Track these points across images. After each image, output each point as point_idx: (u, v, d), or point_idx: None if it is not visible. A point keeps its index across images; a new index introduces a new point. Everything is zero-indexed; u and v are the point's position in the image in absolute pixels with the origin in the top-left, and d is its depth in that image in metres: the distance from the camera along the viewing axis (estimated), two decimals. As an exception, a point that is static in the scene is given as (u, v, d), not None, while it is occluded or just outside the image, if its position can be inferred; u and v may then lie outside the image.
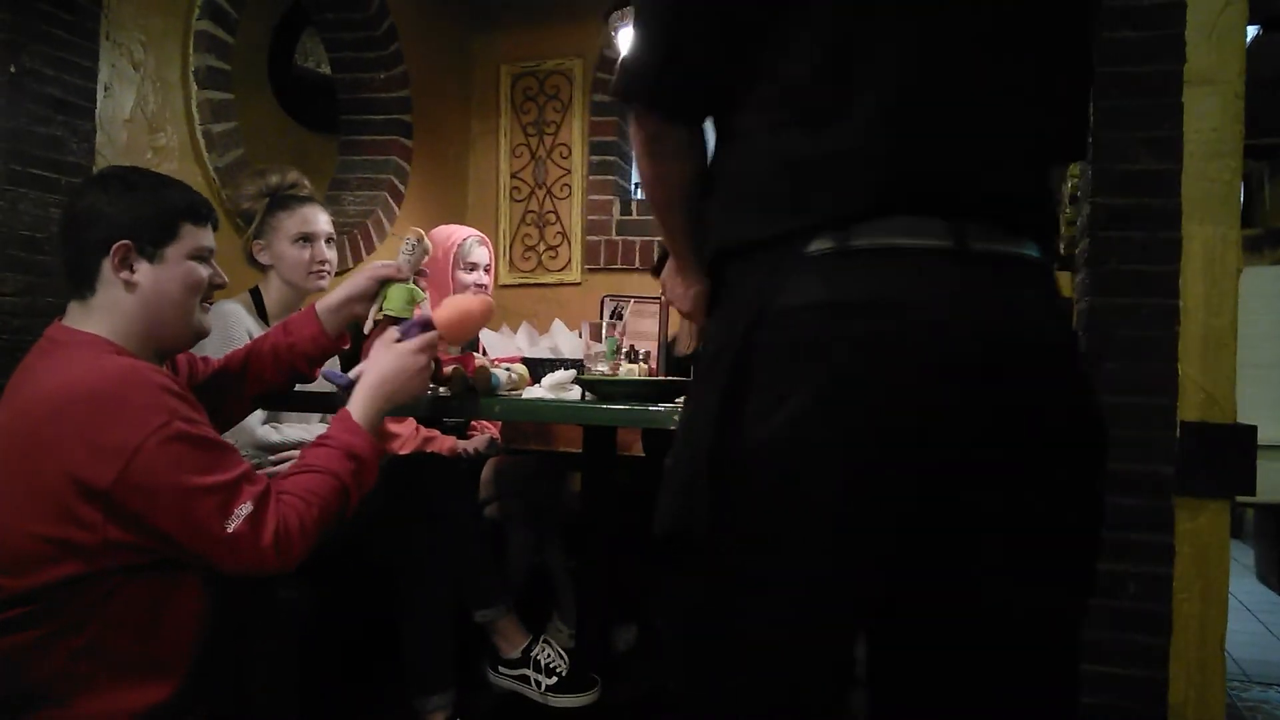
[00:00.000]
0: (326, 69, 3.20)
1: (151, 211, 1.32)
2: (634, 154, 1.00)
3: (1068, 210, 1.84)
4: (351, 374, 1.49)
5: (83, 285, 1.30)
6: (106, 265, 1.29)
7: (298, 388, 1.66)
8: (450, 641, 1.91)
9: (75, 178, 1.81)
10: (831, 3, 0.84)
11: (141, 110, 2.03)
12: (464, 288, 2.49)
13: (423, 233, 1.64)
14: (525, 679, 2.00)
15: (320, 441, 1.38)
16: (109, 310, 1.30)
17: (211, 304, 1.43)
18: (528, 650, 1.99)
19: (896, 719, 0.92)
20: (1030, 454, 0.82)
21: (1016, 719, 0.87)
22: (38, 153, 1.74)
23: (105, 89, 1.92)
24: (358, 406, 1.42)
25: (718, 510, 0.85)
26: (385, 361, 1.46)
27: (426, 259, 1.67)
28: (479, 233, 2.55)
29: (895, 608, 0.88)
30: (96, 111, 1.87)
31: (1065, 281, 2.32)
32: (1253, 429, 1.40)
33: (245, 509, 1.23)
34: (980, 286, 0.81)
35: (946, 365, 0.80)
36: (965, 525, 0.84)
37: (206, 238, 1.37)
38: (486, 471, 2.46)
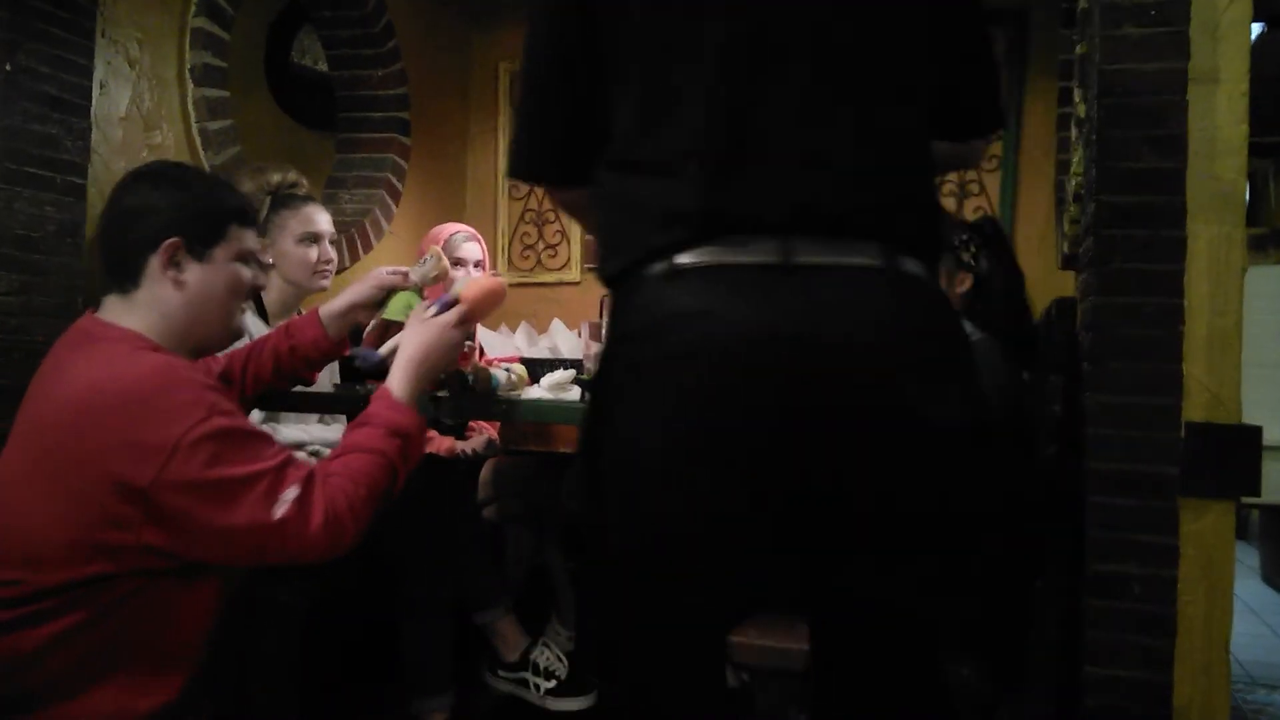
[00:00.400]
0: (324, 66, 3.18)
1: (203, 211, 1.32)
2: None
3: (1071, 208, 1.83)
4: (382, 351, 1.50)
5: (126, 280, 1.28)
6: (154, 261, 1.28)
7: (296, 388, 1.66)
8: (449, 643, 1.90)
9: (70, 176, 1.81)
10: (641, 72, 0.98)
11: (137, 108, 2.02)
12: (451, 283, 2.48)
13: (442, 253, 1.65)
14: (524, 682, 1.99)
15: (362, 421, 1.36)
16: (151, 307, 1.29)
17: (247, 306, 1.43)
18: (527, 653, 1.99)
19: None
20: (831, 448, 0.91)
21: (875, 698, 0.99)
22: (33, 151, 1.73)
23: (101, 87, 1.91)
24: (397, 383, 1.40)
25: (590, 501, 0.99)
26: (422, 335, 1.45)
27: (438, 278, 1.66)
28: (469, 228, 2.54)
29: (754, 589, 1.01)
30: (92, 109, 1.87)
31: (1069, 280, 2.31)
32: (1258, 429, 1.39)
33: (291, 493, 1.21)
34: (792, 296, 0.90)
35: (750, 366, 0.89)
36: (773, 513, 0.93)
37: (252, 240, 1.37)
38: (485, 472, 2.45)
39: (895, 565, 0.95)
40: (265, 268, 1.45)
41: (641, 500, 0.94)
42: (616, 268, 1.00)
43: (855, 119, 0.96)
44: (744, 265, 0.91)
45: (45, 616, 1.17)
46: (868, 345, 0.90)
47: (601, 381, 1.00)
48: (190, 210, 1.30)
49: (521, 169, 1.14)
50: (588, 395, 1.04)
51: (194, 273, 1.30)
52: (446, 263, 1.65)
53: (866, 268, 0.92)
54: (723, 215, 0.93)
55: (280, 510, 1.19)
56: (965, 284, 1.66)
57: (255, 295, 1.40)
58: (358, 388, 1.85)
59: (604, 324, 1.80)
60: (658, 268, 0.94)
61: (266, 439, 1.25)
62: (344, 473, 1.28)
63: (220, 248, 1.32)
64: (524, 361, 2.02)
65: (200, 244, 1.30)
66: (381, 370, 1.47)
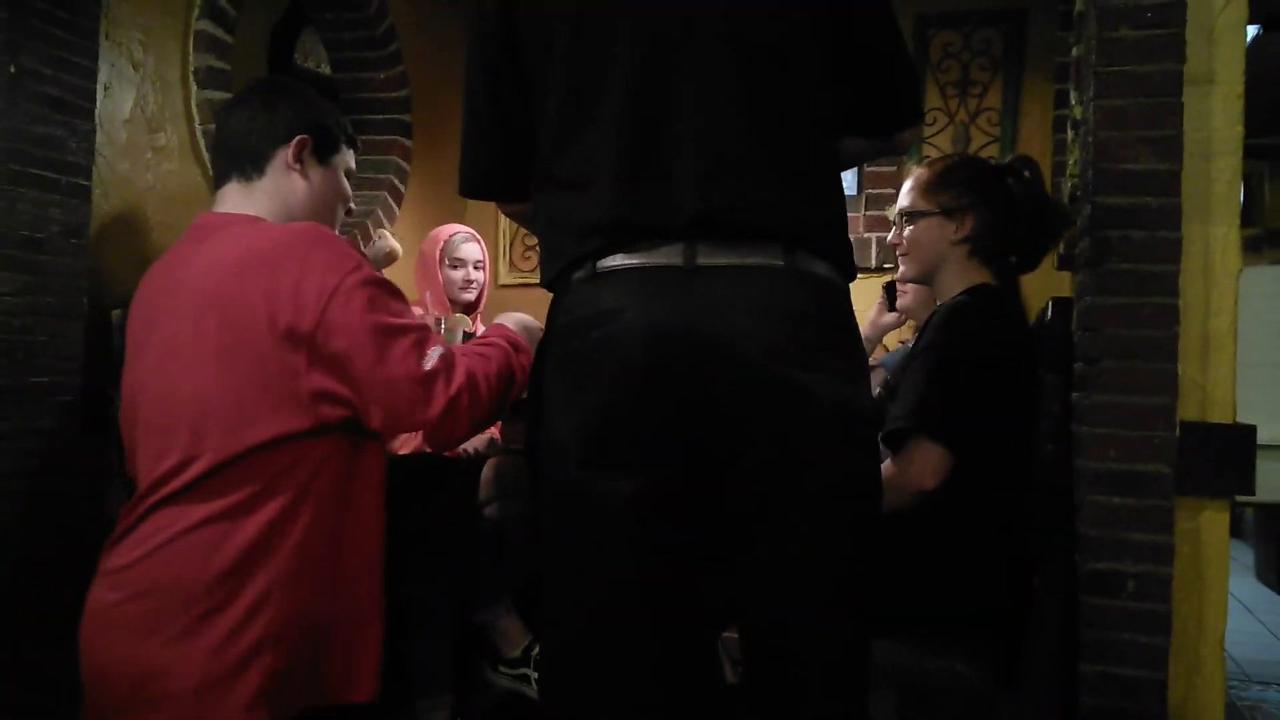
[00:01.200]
0: (326, 69, 3.20)
1: (326, 121, 1.46)
2: None
3: (1068, 210, 1.84)
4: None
5: (250, 168, 1.40)
6: (283, 153, 1.41)
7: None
8: (450, 642, 1.91)
9: (75, 178, 1.81)
10: (559, 95, 1.08)
11: (141, 110, 2.03)
12: (451, 284, 2.50)
13: (462, 317, 1.77)
14: (525, 678, 2.00)
15: (482, 336, 1.49)
16: (273, 195, 1.40)
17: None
18: (528, 649, 1.99)
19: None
20: (724, 424, 0.99)
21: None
22: (37, 152, 1.74)
23: (105, 89, 1.92)
24: (510, 321, 1.53)
25: (533, 492, 1.07)
26: (519, 315, 1.58)
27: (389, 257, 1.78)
28: (469, 229, 2.55)
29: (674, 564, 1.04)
30: (96, 111, 1.87)
31: (1066, 281, 2.32)
32: (1252, 429, 1.40)
33: (436, 352, 1.30)
34: (690, 293, 0.99)
35: (658, 355, 0.98)
36: (699, 490, 1.01)
37: (353, 164, 1.53)
38: (486, 471, 2.45)
39: (792, 530, 1.01)
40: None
41: (566, 484, 1.02)
42: (550, 274, 1.11)
43: (758, 130, 1.05)
44: (653, 267, 1.01)
45: (248, 507, 1.23)
46: (752, 332, 0.99)
47: (538, 376, 1.09)
48: (317, 117, 1.45)
49: (467, 188, 1.28)
50: (530, 389, 1.12)
51: (315, 172, 1.44)
52: (391, 243, 1.75)
53: (764, 266, 1.02)
54: (633, 224, 1.03)
55: (429, 363, 1.28)
56: (966, 226, 1.67)
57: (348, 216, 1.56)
58: None
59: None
60: (581, 272, 1.05)
61: (404, 298, 1.34)
62: (475, 354, 1.37)
63: (337, 157, 1.47)
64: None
65: (323, 148, 1.44)
66: None
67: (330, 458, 1.28)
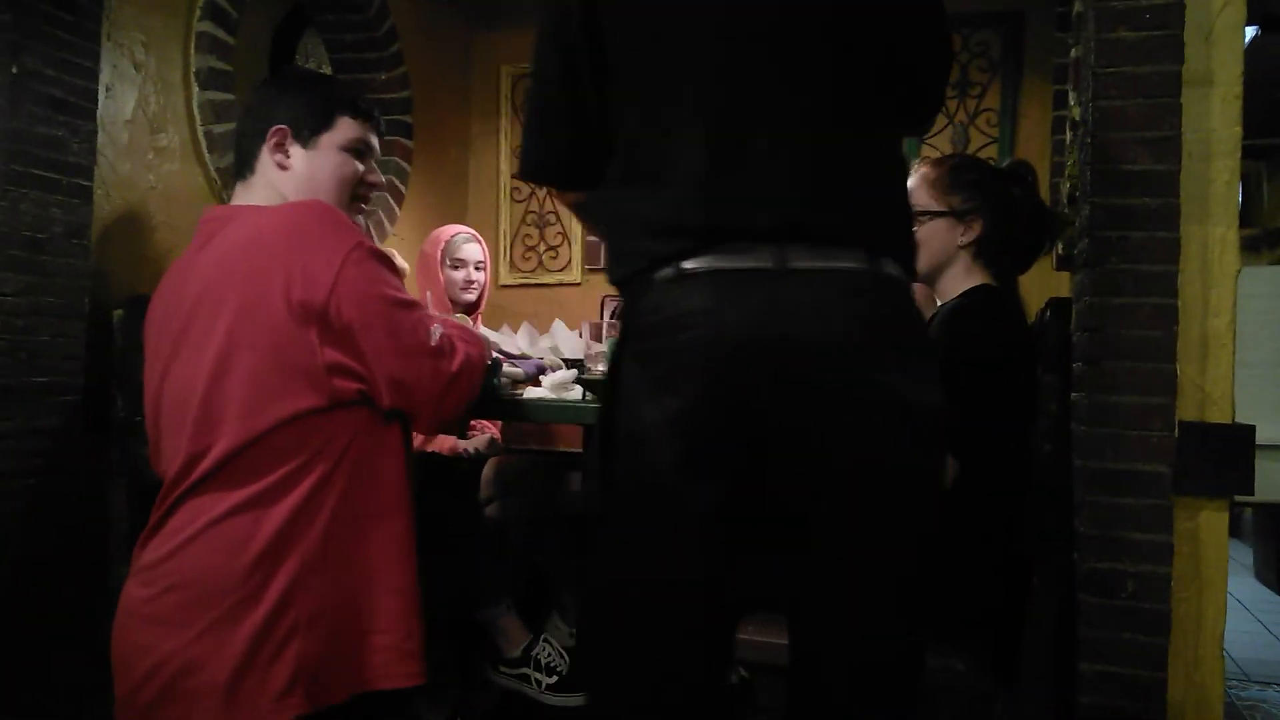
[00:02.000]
0: (327, 70, 3.20)
1: (311, 101, 1.44)
2: None
3: (1066, 210, 1.85)
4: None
5: (244, 168, 1.44)
6: (264, 150, 1.41)
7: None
8: (450, 641, 1.91)
9: (77, 178, 1.82)
10: (642, 102, 1.07)
11: (143, 111, 2.04)
12: (452, 284, 2.51)
13: (463, 317, 1.86)
14: (526, 678, 2.00)
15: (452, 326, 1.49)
16: (265, 189, 1.42)
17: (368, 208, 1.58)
18: (528, 649, 2.00)
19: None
20: (814, 421, 1.00)
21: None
22: (39, 153, 1.75)
23: (107, 90, 1.92)
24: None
25: (606, 490, 1.05)
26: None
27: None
28: (470, 230, 2.56)
29: (760, 555, 1.06)
30: (98, 112, 1.88)
31: (1065, 281, 2.32)
32: (1251, 428, 1.40)
33: (438, 329, 1.34)
34: (782, 296, 1.00)
35: (747, 359, 0.99)
36: (782, 487, 1.02)
37: (364, 131, 1.46)
38: (486, 471, 2.46)
39: (869, 529, 1.03)
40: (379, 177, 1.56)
41: (649, 477, 1.02)
42: (625, 271, 1.09)
43: (845, 131, 1.05)
44: (745, 270, 1.00)
45: (275, 493, 1.24)
46: (847, 335, 1.01)
47: (616, 373, 1.07)
48: (299, 101, 1.43)
49: (531, 172, 1.24)
50: (602, 389, 1.10)
51: (300, 157, 1.43)
52: (399, 262, 1.80)
53: (851, 270, 1.02)
54: (722, 225, 1.02)
55: (434, 339, 1.31)
56: (974, 230, 1.68)
57: (369, 191, 1.52)
58: None
59: (605, 323, 1.82)
60: (667, 271, 1.03)
61: (400, 274, 1.37)
62: (462, 338, 1.40)
63: (326, 135, 1.44)
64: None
65: (308, 130, 1.43)
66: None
67: (356, 437, 1.30)
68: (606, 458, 1.06)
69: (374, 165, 1.50)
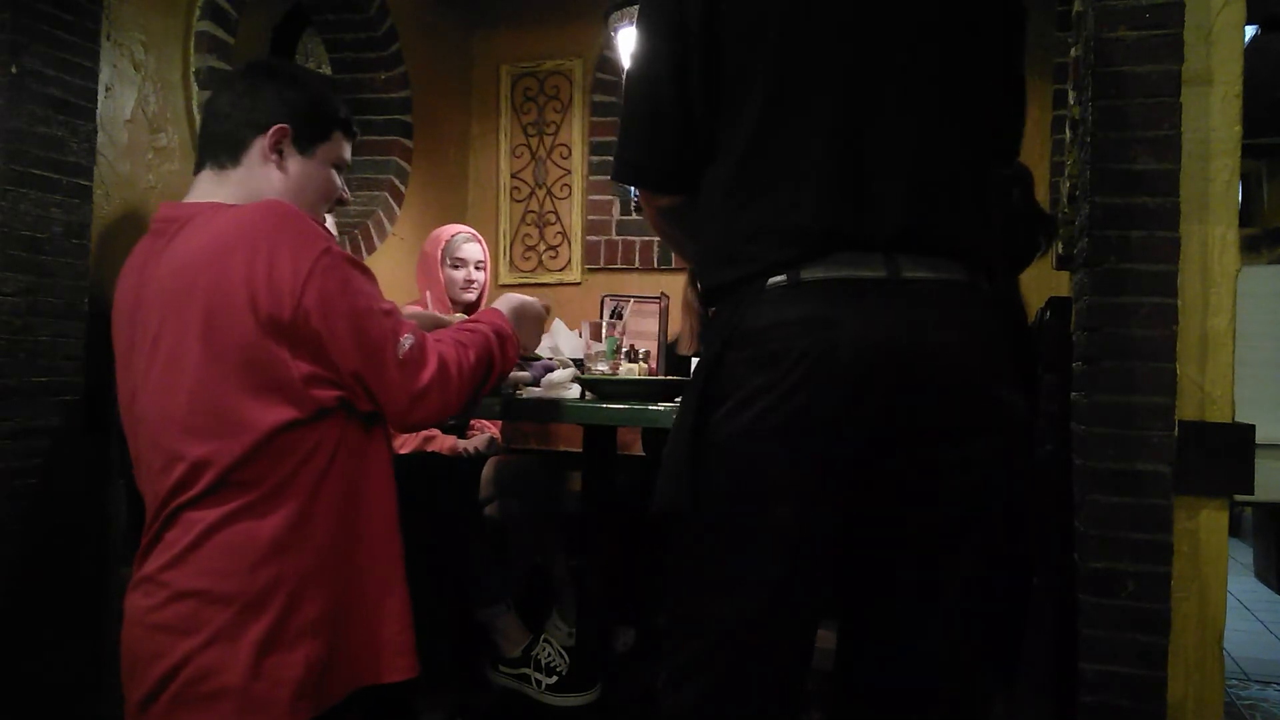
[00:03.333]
0: (327, 70, 3.20)
1: (314, 108, 1.38)
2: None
3: (1066, 209, 1.84)
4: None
5: (225, 157, 1.34)
6: (259, 142, 1.34)
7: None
8: (450, 641, 1.91)
9: (76, 178, 1.82)
10: (759, 106, 1.05)
11: (143, 111, 2.03)
12: (452, 283, 2.51)
13: (462, 317, 1.82)
14: (525, 678, 2.00)
15: (469, 322, 1.48)
16: (244, 185, 1.34)
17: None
18: (528, 649, 2.00)
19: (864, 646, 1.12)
20: (928, 440, 1.02)
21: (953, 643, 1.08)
22: (39, 153, 1.74)
23: (106, 90, 1.92)
24: (503, 306, 1.54)
25: (698, 491, 1.04)
26: (516, 296, 1.59)
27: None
28: (470, 229, 2.56)
29: (850, 562, 1.07)
30: (98, 112, 1.88)
31: (1064, 280, 2.32)
32: (1251, 428, 1.40)
33: (409, 339, 1.28)
34: (900, 307, 1.01)
35: (866, 369, 0.99)
36: (890, 497, 1.04)
37: (348, 153, 1.45)
38: (486, 471, 2.47)
39: (967, 529, 1.06)
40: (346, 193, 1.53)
41: (765, 478, 1.02)
42: (729, 278, 1.08)
43: (951, 148, 1.07)
44: (861, 280, 1.02)
45: (269, 501, 1.22)
46: (958, 347, 1.03)
47: (715, 377, 1.05)
48: (303, 104, 1.37)
49: (629, 173, 1.21)
50: (695, 390, 1.07)
51: (295, 163, 1.36)
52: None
53: (957, 282, 1.05)
54: (838, 234, 1.02)
55: (403, 350, 1.26)
56: None
57: (337, 205, 1.50)
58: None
59: (605, 322, 1.82)
60: (780, 279, 1.03)
61: (373, 276, 1.31)
62: (452, 340, 1.36)
63: (323, 147, 1.39)
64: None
65: (306, 138, 1.37)
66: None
67: (342, 440, 1.28)
68: (697, 461, 1.04)
69: (344, 184, 1.49)
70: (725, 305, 1.08)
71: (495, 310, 1.53)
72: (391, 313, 1.29)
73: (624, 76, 1.05)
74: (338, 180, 1.44)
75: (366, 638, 1.32)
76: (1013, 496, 1.08)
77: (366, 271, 1.30)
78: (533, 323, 1.61)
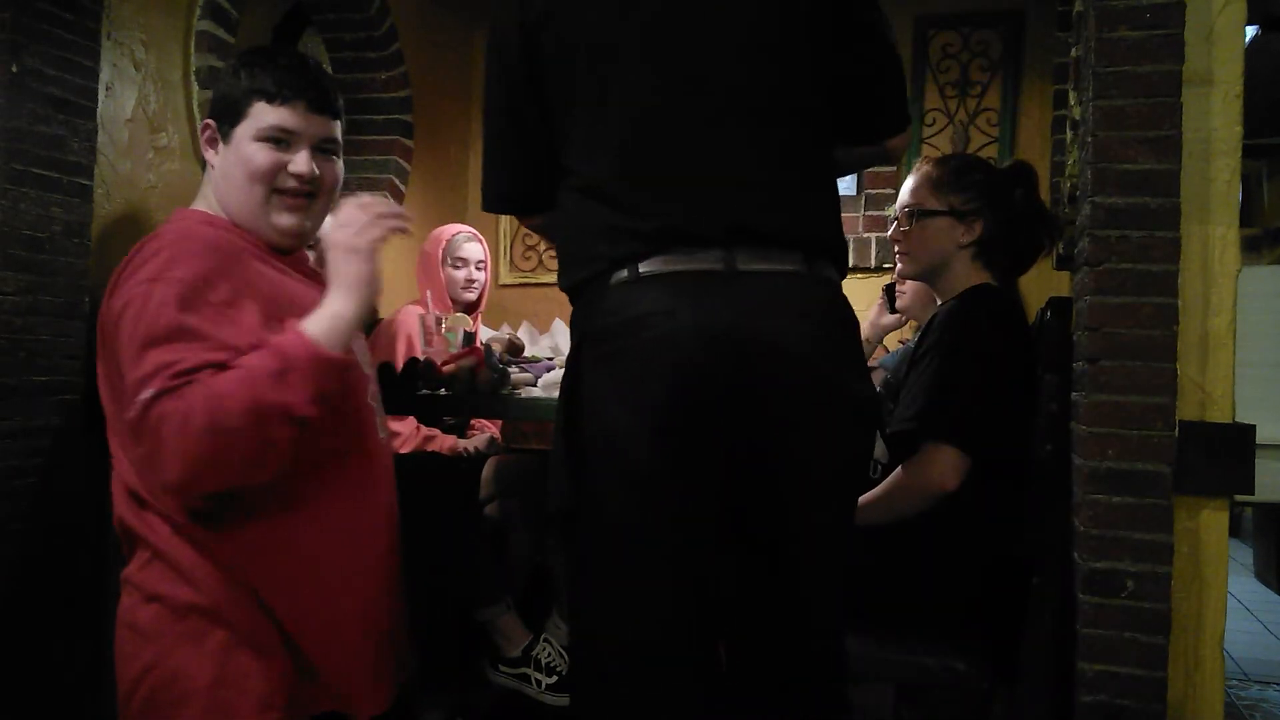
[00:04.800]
0: (327, 69, 3.20)
1: (225, 92, 1.35)
2: None
3: (1066, 209, 1.85)
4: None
5: (202, 164, 1.42)
6: (203, 144, 1.39)
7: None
8: (450, 641, 1.91)
9: (77, 177, 1.82)
10: (587, 126, 1.13)
11: (143, 110, 2.03)
12: (453, 283, 2.51)
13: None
14: (526, 678, 2.00)
15: (254, 356, 1.18)
16: (209, 185, 1.39)
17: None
18: (528, 649, 2.00)
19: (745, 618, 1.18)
20: (771, 415, 1.08)
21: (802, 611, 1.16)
22: (39, 152, 1.74)
23: (107, 89, 1.92)
24: (334, 299, 1.27)
25: (575, 485, 1.10)
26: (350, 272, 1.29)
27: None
28: (471, 229, 2.56)
29: (719, 534, 1.13)
30: (98, 111, 1.88)
31: (1064, 280, 2.32)
32: (1251, 428, 1.40)
33: (147, 393, 1.11)
34: (737, 296, 1.07)
35: (709, 357, 1.05)
36: (752, 480, 1.11)
37: (285, 117, 1.30)
38: (486, 471, 2.47)
39: (818, 505, 1.14)
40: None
41: (625, 468, 1.08)
42: (578, 277, 1.15)
43: (773, 143, 1.13)
44: (697, 272, 1.08)
45: (230, 514, 1.23)
46: (800, 334, 1.09)
47: (576, 378, 1.12)
48: (219, 92, 1.37)
49: (493, 204, 1.34)
50: (562, 395, 1.14)
51: (219, 154, 1.37)
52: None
53: (792, 272, 1.11)
54: (672, 230, 1.09)
55: (132, 411, 1.12)
56: (975, 231, 1.69)
57: (300, 185, 1.34)
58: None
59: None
60: (622, 275, 1.09)
61: (219, 306, 1.16)
62: (212, 393, 1.11)
63: (241, 126, 1.33)
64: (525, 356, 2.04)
65: (226, 124, 1.35)
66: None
67: (302, 458, 1.23)
68: (574, 462, 1.10)
69: (305, 153, 1.31)
70: (579, 304, 1.16)
71: (299, 333, 1.21)
72: (161, 367, 1.10)
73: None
74: (276, 154, 1.30)
75: (339, 661, 1.31)
76: (858, 471, 1.18)
77: (196, 301, 1.15)
78: (365, 284, 1.29)
